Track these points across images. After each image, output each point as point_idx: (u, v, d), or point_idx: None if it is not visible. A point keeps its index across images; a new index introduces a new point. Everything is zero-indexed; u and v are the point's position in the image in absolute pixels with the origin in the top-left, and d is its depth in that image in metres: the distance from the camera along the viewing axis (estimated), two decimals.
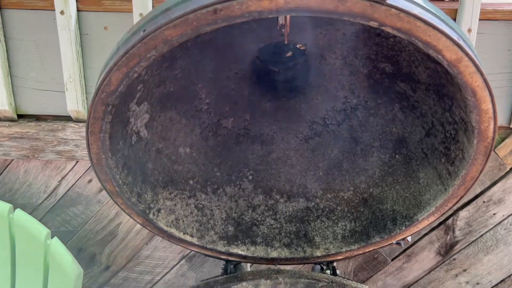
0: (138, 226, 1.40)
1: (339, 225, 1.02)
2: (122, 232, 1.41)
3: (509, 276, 1.39)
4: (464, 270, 1.39)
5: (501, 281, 1.40)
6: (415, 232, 0.92)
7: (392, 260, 1.41)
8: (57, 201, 1.39)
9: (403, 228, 0.93)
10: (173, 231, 0.95)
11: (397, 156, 0.97)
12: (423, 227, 0.91)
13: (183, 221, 0.97)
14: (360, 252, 0.98)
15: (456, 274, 1.40)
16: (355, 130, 1.02)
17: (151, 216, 0.91)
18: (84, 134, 1.31)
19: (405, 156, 0.95)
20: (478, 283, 1.41)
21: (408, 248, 1.39)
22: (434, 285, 1.41)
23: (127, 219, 1.40)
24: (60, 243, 1.24)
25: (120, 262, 1.43)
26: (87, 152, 0.79)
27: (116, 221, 1.40)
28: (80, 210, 1.40)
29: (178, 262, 1.44)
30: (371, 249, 0.98)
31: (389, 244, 0.96)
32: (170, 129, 0.97)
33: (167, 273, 1.45)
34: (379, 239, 0.96)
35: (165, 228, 0.93)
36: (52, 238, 1.26)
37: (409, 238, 0.95)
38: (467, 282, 1.41)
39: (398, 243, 0.96)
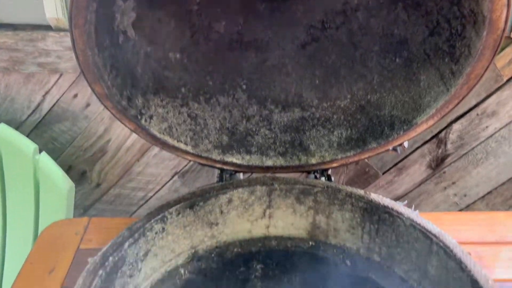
0: (129, 142, 1.38)
1: (334, 133, 1.00)
2: (112, 149, 1.38)
3: (496, 188, 1.42)
4: (453, 183, 1.42)
5: (488, 193, 1.43)
6: (413, 136, 0.91)
7: (383, 173, 1.42)
8: (43, 117, 1.34)
9: (401, 133, 0.91)
10: (167, 138, 0.92)
11: (397, 60, 0.94)
12: (422, 131, 0.90)
13: (176, 129, 0.94)
14: (356, 159, 0.98)
15: (445, 187, 1.43)
16: (355, 34, 0.98)
17: (143, 122, 0.88)
18: (66, 44, 1.24)
19: (406, 59, 0.92)
20: (465, 195, 1.44)
21: (399, 161, 1.41)
22: (423, 197, 1.44)
23: (117, 135, 1.37)
24: (49, 157, 1.21)
25: (111, 179, 1.42)
26: (72, 51, 0.74)
27: (105, 138, 1.37)
28: (67, 126, 1.36)
29: (171, 179, 1.44)
30: (367, 155, 0.97)
31: (385, 151, 0.95)
32: (159, 31, 0.91)
33: (160, 189, 1.45)
34: (375, 145, 0.95)
35: (158, 135, 0.90)
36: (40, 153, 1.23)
37: (405, 144, 0.94)
38: (455, 194, 1.44)
39: (394, 149, 0.95)
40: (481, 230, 1.07)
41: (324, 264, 0.96)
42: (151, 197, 1.47)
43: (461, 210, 1.46)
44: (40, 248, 0.99)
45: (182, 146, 0.94)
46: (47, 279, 0.92)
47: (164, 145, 0.93)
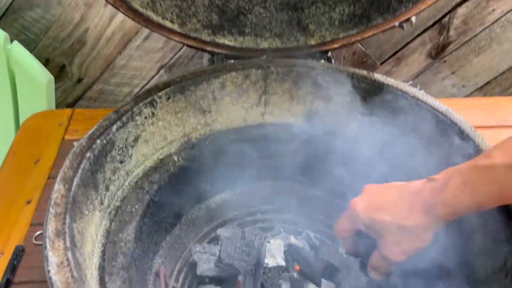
0: (109, 32, 1.26)
1: (336, 10, 0.91)
2: (92, 39, 1.27)
3: (496, 77, 1.38)
4: (453, 73, 1.37)
5: (487, 83, 1.39)
6: (422, 10, 0.83)
7: (381, 64, 1.36)
8: (10, 4, 1.21)
9: (410, 5, 0.83)
10: (150, 14, 0.83)
11: None
12: (432, 3, 0.82)
13: (161, 4, 0.84)
14: (359, 38, 0.90)
15: (444, 77, 1.38)
16: None
17: None
18: None
19: None
20: (464, 86, 1.40)
21: (398, 50, 1.33)
22: (420, 88, 1.39)
23: (95, 24, 1.25)
24: (22, 47, 1.11)
25: (93, 73, 1.33)
26: None
27: (82, 26, 1.25)
28: (39, 14, 1.23)
29: (157, 73, 1.35)
30: (370, 33, 0.89)
31: (391, 28, 0.88)
32: None
33: (146, 84, 1.37)
34: (381, 21, 0.87)
35: (140, 9, 0.81)
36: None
37: (413, 19, 0.86)
38: (453, 85, 1.40)
39: (401, 26, 0.87)
40: (482, 114, 1.04)
41: (322, 150, 0.93)
42: (137, 93, 1.39)
43: None
44: (22, 139, 0.94)
45: (168, 24, 0.85)
46: (33, 169, 0.88)
47: (148, 22, 0.83)
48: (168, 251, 0.89)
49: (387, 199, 0.60)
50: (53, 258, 0.54)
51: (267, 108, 0.94)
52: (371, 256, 0.63)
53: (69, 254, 0.55)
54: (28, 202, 0.82)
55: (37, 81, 1.09)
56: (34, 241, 0.76)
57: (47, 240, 0.56)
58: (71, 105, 1.40)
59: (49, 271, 0.53)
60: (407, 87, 0.82)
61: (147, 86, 1.39)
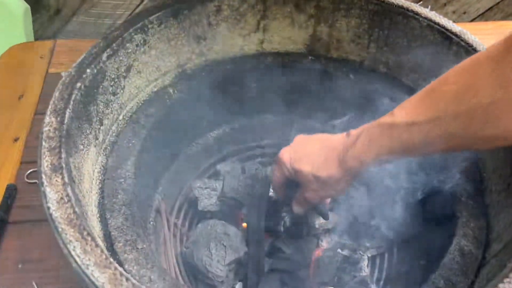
0: None
1: None
2: None
3: (498, 3, 1.32)
4: None
5: (489, 9, 1.33)
6: None
7: None
8: None
9: None
10: None
11: None
12: None
13: None
14: None
15: (445, 3, 1.32)
16: None
17: None
18: None
19: None
20: (464, 12, 1.34)
21: None
22: None
23: None
24: None
25: (72, 4, 1.22)
26: None
27: None
28: None
29: (142, 1, 1.26)
30: None
31: None
32: None
33: (130, 15, 1.28)
34: None
35: None
36: None
37: None
38: (454, 11, 1.34)
39: None
40: (489, 39, 0.99)
41: (326, 80, 0.88)
42: None
43: None
44: (2, 73, 0.86)
45: None
46: (17, 105, 0.82)
47: None
48: (167, 188, 0.86)
49: (309, 151, 0.65)
50: (52, 194, 0.50)
51: (266, 35, 0.88)
52: (296, 195, 0.70)
53: (69, 189, 0.51)
54: (16, 140, 0.77)
55: (12, 11, 0.99)
56: (27, 179, 0.72)
57: (43, 176, 0.51)
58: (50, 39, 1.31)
59: (48, 208, 0.49)
60: (418, 8, 0.77)
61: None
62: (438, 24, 0.74)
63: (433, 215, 0.73)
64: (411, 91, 0.83)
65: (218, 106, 0.90)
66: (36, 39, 1.24)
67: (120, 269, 0.46)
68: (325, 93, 0.90)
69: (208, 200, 0.84)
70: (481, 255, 0.61)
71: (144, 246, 0.60)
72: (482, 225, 0.64)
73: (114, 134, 0.73)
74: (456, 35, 0.72)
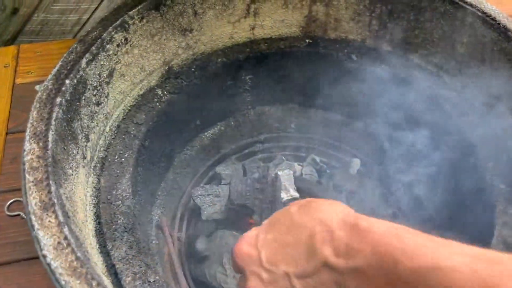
0: None
1: None
2: None
3: None
4: None
5: None
6: None
7: None
8: None
9: None
10: None
11: None
12: None
13: None
14: None
15: None
16: None
17: None
18: None
19: None
20: None
21: None
22: None
23: None
24: None
25: (30, 1, 1.10)
26: None
27: None
28: None
29: None
30: None
31: None
32: None
33: (96, 8, 1.16)
34: None
35: None
36: None
37: None
38: None
39: None
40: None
41: (327, 63, 0.81)
42: (88, 20, 1.18)
43: None
44: None
45: None
46: None
47: None
48: (165, 199, 0.78)
49: (288, 244, 0.44)
50: (47, 239, 0.42)
51: (258, 20, 0.80)
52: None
53: (66, 230, 0.43)
54: None
55: None
56: (8, 212, 0.62)
57: (33, 218, 0.43)
58: (10, 42, 1.18)
59: (45, 257, 0.41)
60: None
61: (99, 11, 1.17)
62: None
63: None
64: (420, 69, 0.77)
65: (211, 103, 0.82)
66: None
67: None
68: (324, 78, 0.83)
69: (211, 207, 0.76)
70: None
71: (157, 277, 0.53)
72: None
73: (102, 149, 0.64)
74: (470, 4, 0.66)
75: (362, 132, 0.87)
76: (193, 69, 0.77)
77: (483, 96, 0.68)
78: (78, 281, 0.39)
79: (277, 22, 0.80)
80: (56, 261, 0.40)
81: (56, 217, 0.43)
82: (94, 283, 0.39)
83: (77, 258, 0.41)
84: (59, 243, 0.41)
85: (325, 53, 0.81)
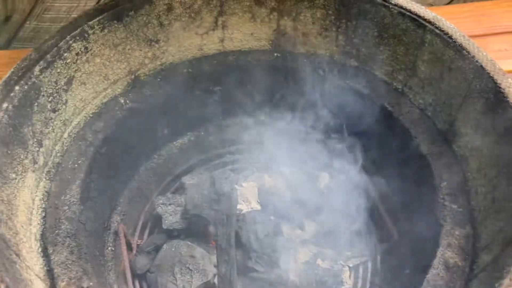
0: None
1: None
2: None
3: None
4: None
5: None
6: None
7: None
8: None
9: None
10: None
11: None
12: None
13: None
14: None
15: None
16: None
17: None
18: None
19: None
20: None
21: None
22: None
23: None
24: None
25: (22, 8, 1.13)
26: None
27: None
28: None
29: (98, 2, 1.17)
30: None
31: None
32: None
33: None
34: None
35: None
36: None
37: None
38: None
39: None
40: (467, 22, 0.94)
41: (294, 77, 0.81)
42: None
43: None
44: None
45: None
46: None
47: None
48: (128, 206, 0.79)
49: None
50: None
51: (226, 33, 0.80)
52: None
53: None
54: None
55: None
56: None
57: None
58: (3, 48, 1.22)
59: None
60: None
61: None
62: (409, 11, 0.67)
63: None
64: (386, 84, 0.76)
65: (180, 113, 0.83)
66: None
67: None
68: (294, 92, 0.83)
69: (173, 217, 0.77)
70: (468, 268, 0.55)
71: (91, 284, 0.53)
72: (468, 233, 0.58)
73: (58, 155, 0.65)
74: (430, 22, 0.66)
75: (332, 146, 0.87)
76: (158, 79, 0.78)
77: (444, 115, 0.68)
78: None
79: (246, 35, 0.81)
80: None
81: None
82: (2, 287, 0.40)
83: None
84: None
85: (293, 67, 0.81)
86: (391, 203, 0.77)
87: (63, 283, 0.53)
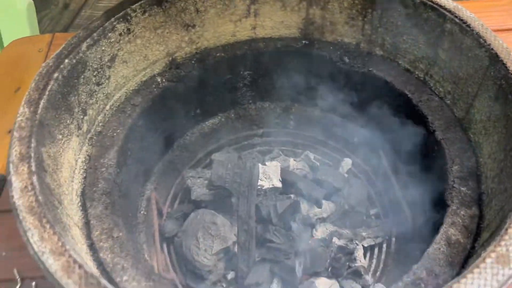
0: None
1: None
2: None
3: None
4: None
5: None
6: None
7: None
8: None
9: None
10: None
11: None
12: None
13: None
14: None
15: None
16: None
17: None
18: None
19: None
20: None
21: None
22: None
23: None
24: None
25: None
26: None
27: None
28: None
29: None
30: None
31: None
32: None
33: None
34: None
35: None
36: None
37: None
38: None
39: None
40: (501, 16, 0.93)
41: (321, 63, 0.85)
42: None
43: None
44: (2, 67, 0.89)
45: None
46: (13, 98, 0.84)
47: None
48: (161, 177, 0.86)
49: None
50: (17, 183, 0.51)
51: (258, 20, 0.86)
52: None
53: (34, 178, 0.51)
54: (9, 132, 0.79)
55: (16, 6, 1.02)
56: None
57: (11, 165, 0.52)
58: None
59: (12, 196, 0.50)
60: None
61: None
62: (431, 0, 0.69)
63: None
64: (408, 73, 0.79)
65: (211, 95, 0.89)
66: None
67: (75, 256, 0.45)
68: (321, 78, 0.87)
69: (201, 189, 0.83)
70: (470, 245, 0.57)
71: (120, 234, 0.60)
72: (474, 214, 0.60)
73: (100, 124, 0.73)
74: (450, 11, 0.68)
75: (358, 134, 0.90)
76: (193, 61, 0.84)
77: (462, 103, 0.70)
78: (32, 218, 0.48)
79: (277, 23, 0.86)
80: (20, 200, 0.49)
81: (29, 167, 0.52)
82: (44, 220, 0.48)
83: (37, 201, 0.49)
84: (25, 187, 0.50)
85: (319, 54, 0.85)
86: (408, 189, 0.80)
87: (97, 232, 0.60)
